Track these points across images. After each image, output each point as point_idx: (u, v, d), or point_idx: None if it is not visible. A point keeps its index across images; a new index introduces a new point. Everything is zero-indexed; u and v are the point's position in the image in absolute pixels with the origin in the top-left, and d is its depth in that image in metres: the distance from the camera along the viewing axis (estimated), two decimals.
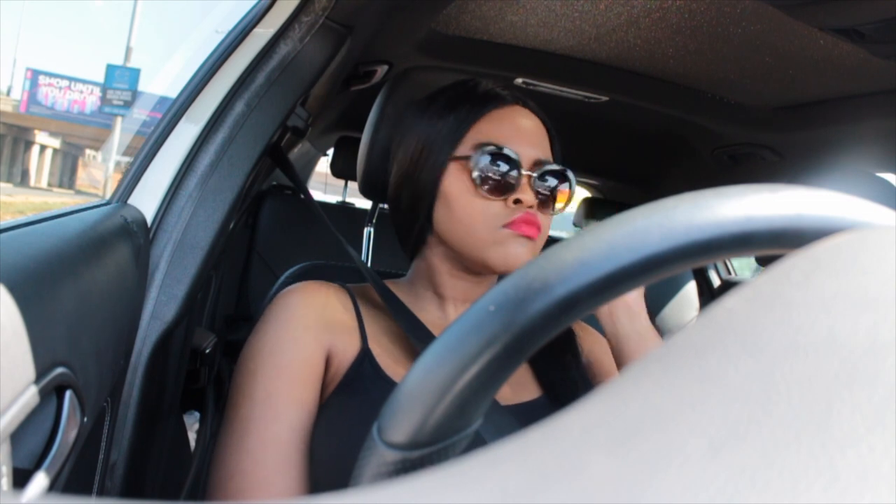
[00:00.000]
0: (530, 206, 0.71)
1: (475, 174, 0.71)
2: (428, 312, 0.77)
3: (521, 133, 0.74)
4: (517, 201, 0.71)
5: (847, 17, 0.78)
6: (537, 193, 0.72)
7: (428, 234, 0.77)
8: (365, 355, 0.70)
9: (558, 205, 0.76)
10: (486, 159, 0.71)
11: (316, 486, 0.65)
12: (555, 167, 0.74)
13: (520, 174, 0.71)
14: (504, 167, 0.71)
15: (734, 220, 0.25)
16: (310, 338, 0.69)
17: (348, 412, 0.66)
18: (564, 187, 0.75)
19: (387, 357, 0.71)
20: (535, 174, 0.72)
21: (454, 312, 0.78)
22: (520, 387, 0.75)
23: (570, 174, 0.75)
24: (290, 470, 0.64)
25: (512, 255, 0.70)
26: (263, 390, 0.66)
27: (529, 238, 0.70)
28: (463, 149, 0.73)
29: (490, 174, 0.71)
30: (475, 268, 0.74)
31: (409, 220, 0.77)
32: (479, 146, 0.72)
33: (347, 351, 0.70)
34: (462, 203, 0.72)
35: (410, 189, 0.75)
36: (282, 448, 0.64)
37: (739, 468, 0.11)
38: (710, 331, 0.16)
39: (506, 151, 0.71)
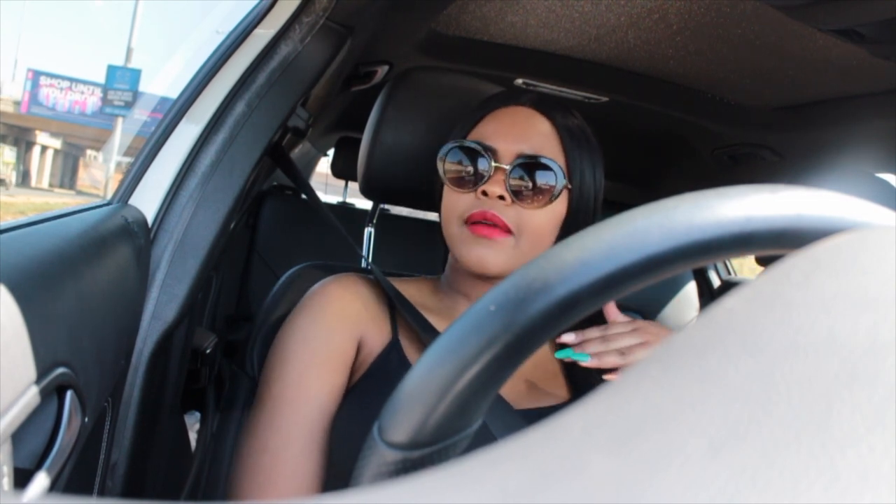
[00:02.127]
0: (499, 198, 0.70)
1: (440, 168, 0.74)
2: (457, 313, 0.78)
3: (507, 128, 0.74)
4: (485, 193, 0.71)
5: (847, 17, 0.77)
6: (516, 188, 0.71)
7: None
8: (393, 346, 0.72)
9: (538, 198, 0.71)
10: (451, 154, 0.74)
11: (334, 469, 0.67)
12: (532, 159, 0.71)
13: (490, 166, 0.71)
14: (473, 161, 0.72)
15: (734, 221, 0.25)
16: (343, 327, 0.72)
17: (371, 400, 0.68)
18: (548, 179, 0.72)
19: (415, 350, 0.73)
20: (509, 167, 0.71)
21: None
22: (543, 390, 0.75)
23: (555, 165, 0.72)
24: (316, 451, 0.67)
25: (475, 257, 0.70)
26: (296, 373, 0.69)
27: (487, 238, 0.70)
28: None
29: (457, 168, 0.73)
30: None
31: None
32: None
33: (378, 341, 0.73)
34: (444, 200, 0.75)
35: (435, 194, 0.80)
36: (310, 429, 0.67)
37: (739, 468, 0.12)
38: (710, 331, 0.16)
39: (471, 144, 0.73)
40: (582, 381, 0.76)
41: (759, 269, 1.01)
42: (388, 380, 0.69)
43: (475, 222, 0.70)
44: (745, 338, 0.15)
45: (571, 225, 0.76)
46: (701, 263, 0.26)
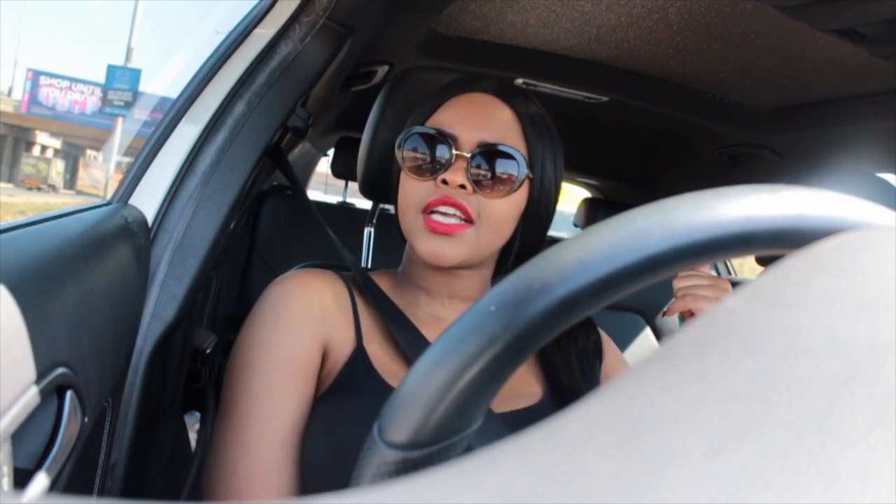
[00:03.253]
0: (460, 186, 0.69)
1: (399, 156, 0.72)
2: (418, 308, 0.77)
3: (467, 115, 0.72)
4: (445, 182, 0.69)
5: (847, 17, 0.77)
6: (478, 177, 0.70)
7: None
8: (359, 354, 0.70)
9: (502, 187, 0.70)
10: (410, 140, 0.72)
11: (306, 483, 0.64)
12: (494, 147, 0.70)
13: (450, 154, 0.70)
14: (433, 148, 0.70)
15: (735, 221, 0.25)
16: (307, 330, 0.68)
17: (340, 412, 0.66)
18: (511, 168, 0.70)
19: (381, 355, 0.71)
20: (470, 155, 0.70)
21: (442, 309, 0.77)
22: (519, 390, 0.75)
23: (517, 154, 0.70)
24: (288, 466, 0.64)
25: (430, 249, 0.69)
26: (262, 385, 0.65)
27: (444, 235, 0.69)
28: None
29: (416, 155, 0.71)
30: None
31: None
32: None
33: (343, 347, 0.70)
34: (401, 187, 0.73)
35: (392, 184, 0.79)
36: (282, 445, 0.64)
37: (739, 468, 0.11)
38: (711, 331, 0.16)
39: (430, 131, 0.71)
40: (558, 379, 0.76)
41: (759, 269, 1.01)
42: (356, 390, 0.67)
43: (433, 211, 0.69)
44: (745, 338, 0.15)
45: (532, 215, 0.75)
46: (701, 263, 0.26)
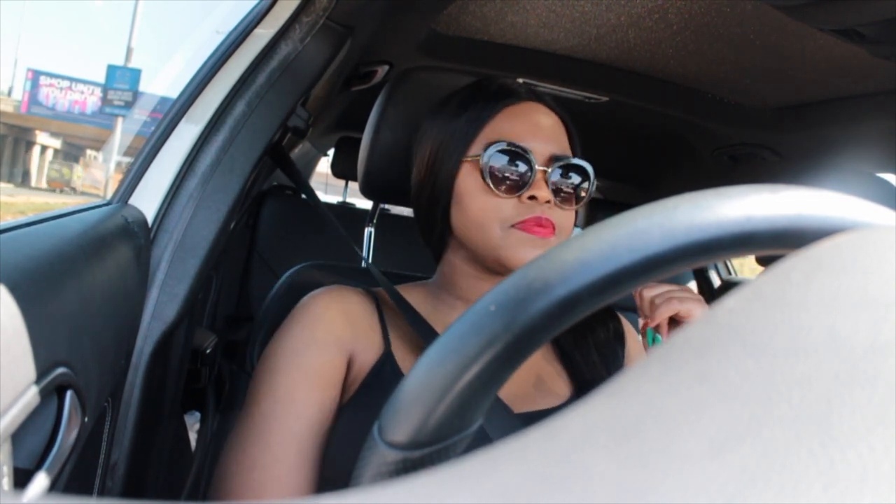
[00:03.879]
0: (546, 202, 0.70)
1: (485, 172, 0.70)
2: (452, 318, 0.77)
3: (535, 128, 0.73)
4: (532, 198, 0.69)
5: (847, 17, 0.77)
6: (556, 190, 0.71)
7: (448, 237, 0.77)
8: (386, 358, 0.71)
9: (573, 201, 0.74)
10: (496, 156, 0.70)
11: (329, 485, 0.65)
12: (572, 161, 0.72)
13: (533, 170, 0.70)
14: (516, 163, 0.70)
15: (735, 221, 0.25)
16: (333, 342, 0.70)
17: (366, 413, 0.67)
18: (584, 181, 0.74)
19: (409, 360, 0.71)
20: (550, 170, 0.71)
21: None
22: (543, 391, 0.75)
23: (590, 169, 0.74)
24: (306, 468, 0.65)
25: (528, 258, 0.68)
26: (286, 389, 0.67)
27: (543, 238, 0.69)
28: (475, 148, 0.72)
29: (500, 171, 0.70)
30: (495, 269, 0.73)
31: (428, 223, 0.77)
32: (490, 144, 0.71)
33: (370, 354, 0.71)
34: (475, 202, 0.71)
35: (427, 193, 0.75)
36: (301, 446, 0.65)
37: (739, 468, 0.11)
38: (710, 331, 0.16)
39: (516, 147, 0.70)
40: (581, 376, 0.76)
41: (759, 269, 1.01)
42: (383, 392, 0.68)
43: (528, 224, 0.69)
44: (745, 338, 0.15)
45: None
46: (701, 263, 0.26)
